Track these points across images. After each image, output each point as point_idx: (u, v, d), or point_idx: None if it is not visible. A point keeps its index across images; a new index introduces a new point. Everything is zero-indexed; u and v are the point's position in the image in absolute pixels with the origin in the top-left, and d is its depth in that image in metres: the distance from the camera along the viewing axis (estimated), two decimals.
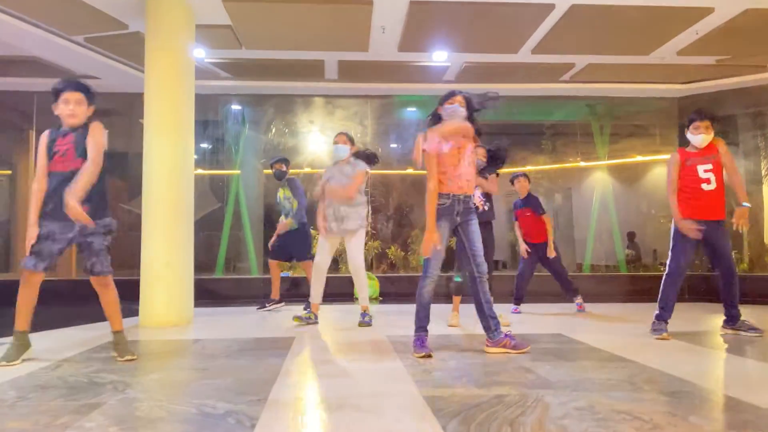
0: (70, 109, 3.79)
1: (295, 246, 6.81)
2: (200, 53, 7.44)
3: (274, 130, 10.48)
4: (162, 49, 5.89)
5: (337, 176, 5.49)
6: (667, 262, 4.78)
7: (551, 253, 6.37)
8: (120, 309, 3.97)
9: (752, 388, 3.04)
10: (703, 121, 4.71)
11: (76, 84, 3.89)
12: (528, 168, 11.47)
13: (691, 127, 4.78)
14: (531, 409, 2.62)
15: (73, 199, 3.54)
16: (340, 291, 8.68)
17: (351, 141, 5.55)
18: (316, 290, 5.50)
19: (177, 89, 5.92)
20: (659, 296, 4.80)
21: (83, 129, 3.83)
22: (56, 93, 3.85)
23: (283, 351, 4.13)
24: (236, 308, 7.19)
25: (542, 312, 6.58)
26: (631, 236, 11.28)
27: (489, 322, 4.09)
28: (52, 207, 3.71)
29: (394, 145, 11.02)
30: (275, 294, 6.97)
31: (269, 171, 8.72)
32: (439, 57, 7.73)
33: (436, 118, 4.18)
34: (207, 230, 10.61)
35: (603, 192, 10.47)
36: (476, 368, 3.56)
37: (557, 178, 11.56)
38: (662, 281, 4.80)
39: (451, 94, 4.13)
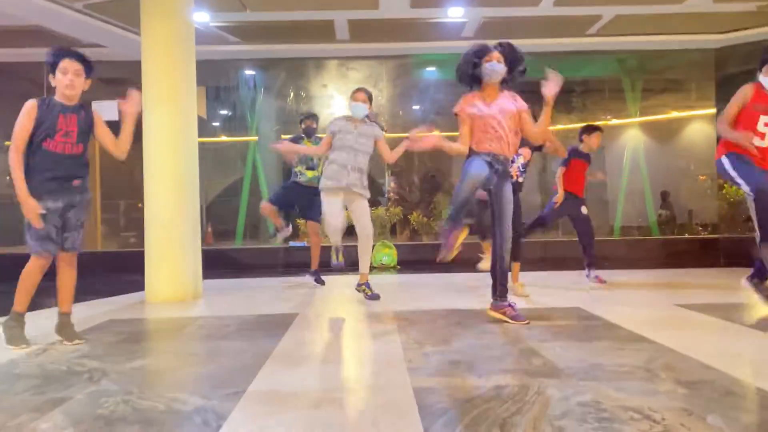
0: (69, 79, 3.52)
1: (308, 205, 6.22)
2: (204, 17, 7.16)
3: (292, 95, 10.20)
4: (158, 13, 5.63)
5: (352, 131, 5.04)
6: (744, 189, 4.11)
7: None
8: (73, 292, 3.78)
9: None
10: None
11: (74, 53, 3.60)
12: (558, 127, 10.97)
13: (764, 68, 4.13)
14: (529, 405, 2.36)
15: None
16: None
17: (370, 99, 5.10)
18: (337, 239, 5.17)
19: (175, 55, 5.65)
20: (757, 223, 4.08)
21: (84, 112, 3.64)
22: (53, 62, 3.56)
23: (280, 331, 3.93)
24: (255, 279, 6.98)
25: (567, 281, 6.24)
26: (664, 196, 10.76)
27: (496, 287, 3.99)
28: (50, 185, 3.54)
29: (416, 107, 10.62)
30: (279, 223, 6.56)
31: (286, 136, 8.39)
32: (455, 12, 7.30)
33: (474, 79, 3.82)
34: (230, 197, 10.52)
35: (634, 150, 9.95)
36: (480, 351, 3.30)
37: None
38: (754, 209, 4.09)
39: (486, 50, 3.72)
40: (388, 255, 8.40)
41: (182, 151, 5.66)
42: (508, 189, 3.89)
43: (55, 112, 3.53)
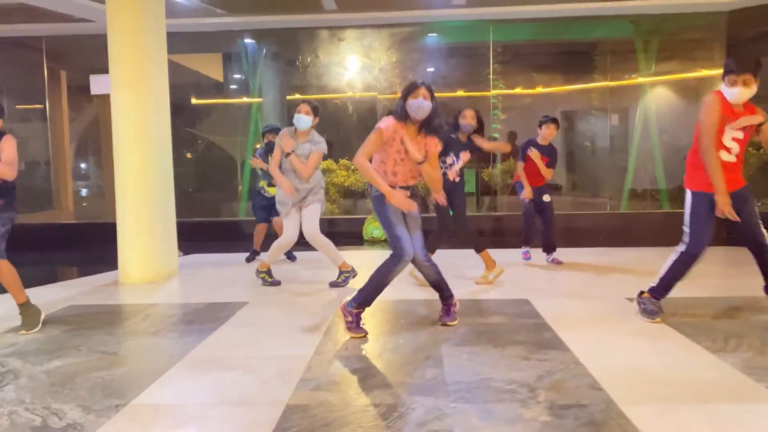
0: None
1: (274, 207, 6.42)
2: None
3: (287, 63, 10.17)
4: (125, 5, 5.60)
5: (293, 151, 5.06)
6: (684, 240, 3.84)
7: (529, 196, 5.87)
8: (19, 283, 4.03)
9: (678, 403, 2.66)
10: (741, 74, 3.60)
11: None
12: (567, 87, 10.58)
13: (726, 78, 3.68)
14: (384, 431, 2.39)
15: None
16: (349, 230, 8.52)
17: (315, 112, 5.05)
18: (276, 256, 5.33)
19: (141, 38, 5.64)
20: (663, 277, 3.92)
21: None
22: None
23: (215, 325, 4.04)
24: (242, 254, 7.01)
25: (533, 262, 6.15)
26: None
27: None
28: None
29: (410, 75, 10.34)
30: (258, 246, 6.77)
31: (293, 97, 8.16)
32: None
33: (404, 114, 3.74)
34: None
35: (645, 115, 9.52)
36: (386, 357, 3.34)
37: (600, 100, 10.60)
38: (674, 261, 3.87)
39: (414, 87, 3.69)
40: (380, 228, 8.37)
41: (151, 139, 5.71)
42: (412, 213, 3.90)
43: None
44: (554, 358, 3.25)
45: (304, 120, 4.97)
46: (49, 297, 4.99)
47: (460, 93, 10.12)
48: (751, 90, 3.67)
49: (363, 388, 2.87)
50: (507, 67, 9.47)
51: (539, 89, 10.26)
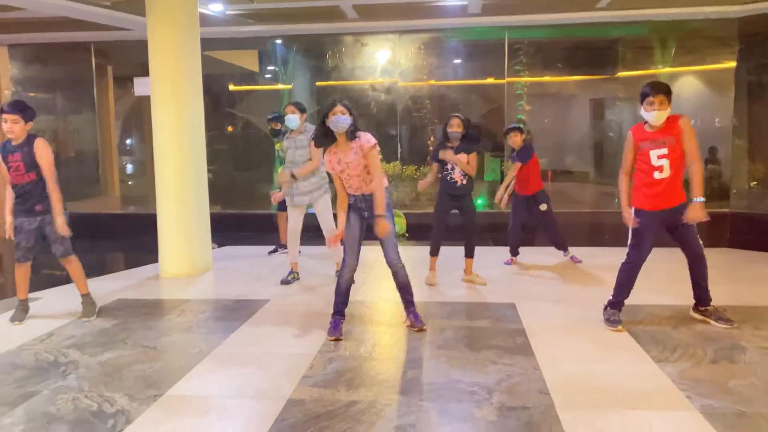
0: (8, 127, 4.58)
1: None
2: (218, 7, 7.76)
3: (313, 60, 10.81)
4: (164, 20, 6.25)
5: (292, 147, 5.82)
6: (628, 252, 4.51)
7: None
8: (83, 276, 4.88)
9: (606, 409, 3.23)
10: (657, 95, 4.24)
11: (10, 106, 4.60)
12: (583, 77, 10.92)
13: (644, 102, 4.30)
14: (356, 424, 3.03)
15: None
16: None
17: (300, 110, 5.75)
18: (293, 251, 6.01)
19: (179, 49, 6.28)
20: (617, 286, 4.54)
21: (27, 146, 4.60)
22: None
23: (238, 323, 4.73)
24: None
25: (536, 263, 6.69)
26: (713, 151, 10.35)
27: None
28: (19, 208, 4.68)
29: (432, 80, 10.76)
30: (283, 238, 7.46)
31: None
32: None
33: (327, 130, 4.28)
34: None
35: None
36: (378, 358, 3.97)
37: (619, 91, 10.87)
38: (621, 273, 4.53)
39: (331, 106, 4.24)
40: (398, 224, 8.96)
41: (188, 151, 6.41)
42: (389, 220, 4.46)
43: (6, 152, 4.61)
44: (518, 363, 3.83)
45: (292, 119, 5.71)
46: (100, 290, 5.74)
47: (476, 81, 10.77)
48: (666, 111, 4.25)
49: (352, 385, 3.51)
50: (522, 63, 9.92)
51: (549, 78, 10.73)
